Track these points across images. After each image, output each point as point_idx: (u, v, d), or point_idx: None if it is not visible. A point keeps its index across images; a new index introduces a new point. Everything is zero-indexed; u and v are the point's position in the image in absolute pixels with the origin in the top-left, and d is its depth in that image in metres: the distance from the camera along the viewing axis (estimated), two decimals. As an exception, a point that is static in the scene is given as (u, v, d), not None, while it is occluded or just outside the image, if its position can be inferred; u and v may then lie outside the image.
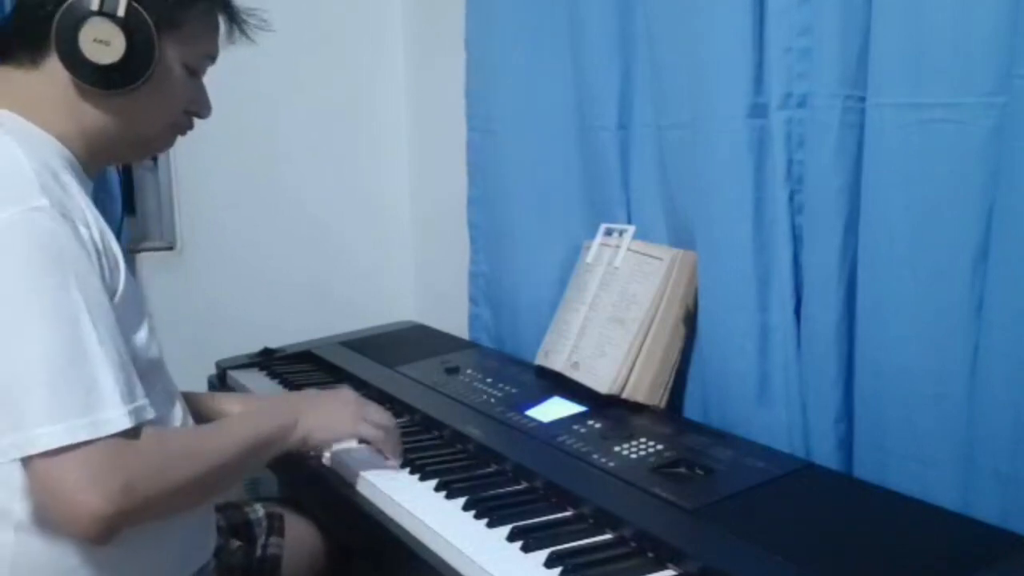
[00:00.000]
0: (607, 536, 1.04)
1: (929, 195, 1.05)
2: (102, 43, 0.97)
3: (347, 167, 2.24)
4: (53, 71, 1.00)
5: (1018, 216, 0.96)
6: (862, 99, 1.12)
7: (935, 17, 1.02)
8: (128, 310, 0.98)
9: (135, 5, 0.99)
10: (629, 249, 1.48)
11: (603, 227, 1.56)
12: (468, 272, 1.93)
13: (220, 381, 1.79)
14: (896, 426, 1.12)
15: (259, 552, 1.33)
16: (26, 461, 0.87)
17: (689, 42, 1.33)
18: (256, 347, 1.86)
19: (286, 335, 1.93)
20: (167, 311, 2.04)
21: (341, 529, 1.38)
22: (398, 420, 1.45)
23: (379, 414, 1.24)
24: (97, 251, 0.94)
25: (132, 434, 0.90)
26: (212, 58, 1.11)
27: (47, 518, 0.94)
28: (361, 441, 1.30)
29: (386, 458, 1.24)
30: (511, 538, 1.02)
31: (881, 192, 1.10)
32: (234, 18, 1.12)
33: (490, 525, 1.06)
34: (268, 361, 1.82)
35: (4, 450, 0.87)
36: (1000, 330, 0.99)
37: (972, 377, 1.03)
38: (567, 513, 1.10)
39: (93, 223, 0.96)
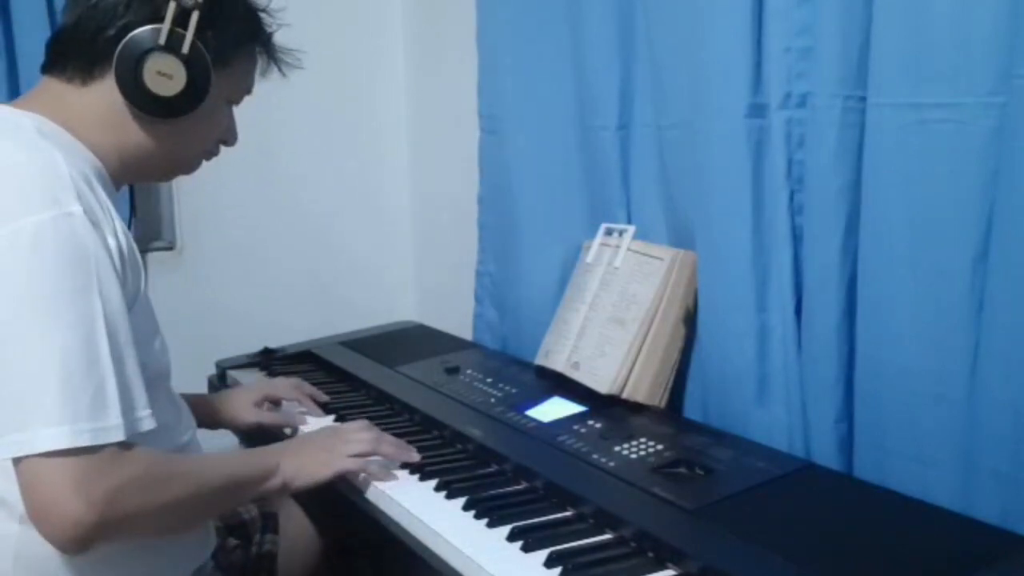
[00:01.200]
0: (607, 536, 1.04)
1: (929, 195, 1.05)
2: (165, 76, 1.02)
3: (347, 166, 2.24)
4: (103, 91, 1.03)
5: (1018, 216, 0.96)
6: (862, 99, 1.12)
7: (935, 17, 1.02)
8: (147, 318, 1.02)
9: (198, 43, 1.04)
10: (629, 249, 1.48)
11: (603, 227, 1.56)
12: (475, 271, 1.92)
13: (220, 381, 1.79)
14: (896, 426, 1.12)
15: (255, 550, 1.34)
16: (18, 458, 0.88)
17: (689, 42, 1.33)
18: (256, 347, 1.86)
19: (286, 335, 1.93)
20: (167, 311, 2.02)
21: (341, 529, 1.38)
22: (398, 420, 1.46)
23: (358, 443, 1.21)
24: (123, 259, 0.96)
25: (125, 447, 0.91)
26: (249, 92, 1.17)
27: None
28: None
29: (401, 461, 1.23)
30: (511, 538, 1.02)
31: (881, 192, 1.10)
32: (274, 58, 1.18)
33: (490, 525, 1.06)
34: (268, 361, 1.82)
35: (6, 446, 0.87)
36: (1000, 330, 0.99)
37: (972, 377, 1.03)
38: (567, 513, 1.10)
39: (121, 232, 0.98)
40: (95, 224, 0.93)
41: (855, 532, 0.99)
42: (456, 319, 2.00)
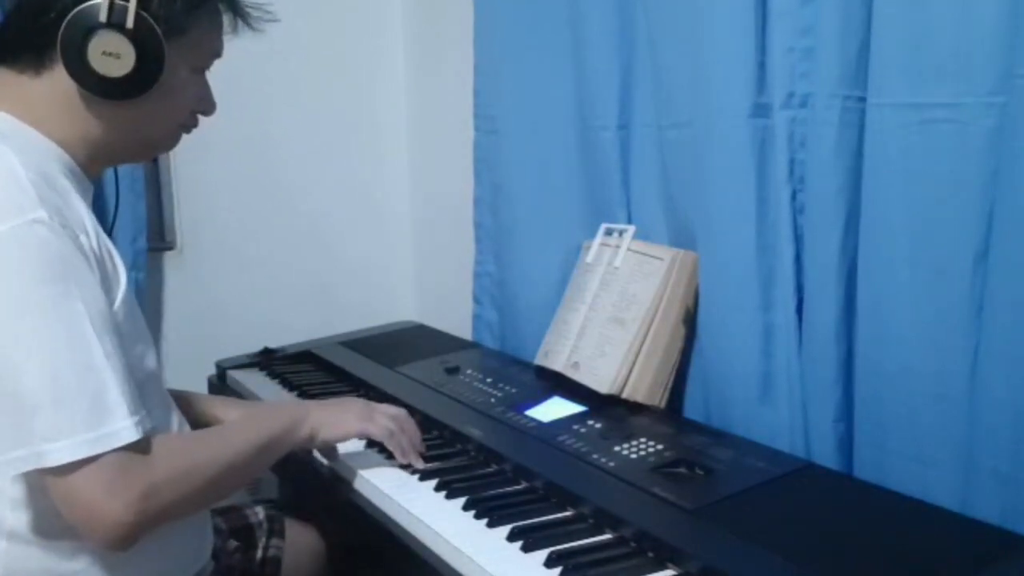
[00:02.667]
0: (607, 536, 1.04)
1: (929, 195, 1.05)
2: (111, 56, 0.95)
3: (347, 167, 2.24)
4: (57, 79, 0.97)
5: (1018, 216, 0.96)
6: (862, 99, 1.12)
7: (935, 17, 1.02)
8: (128, 319, 0.97)
9: (143, 15, 0.96)
10: (629, 249, 1.48)
11: (603, 227, 1.56)
12: (473, 272, 1.92)
13: (220, 381, 1.79)
14: (896, 426, 1.12)
15: (260, 555, 1.33)
16: (42, 474, 0.87)
17: (691, 42, 1.33)
18: (256, 347, 1.86)
19: (286, 335, 1.93)
20: (167, 311, 2.05)
21: (342, 530, 1.38)
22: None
23: (390, 410, 1.25)
24: (97, 259, 0.92)
25: (145, 444, 0.90)
26: (218, 55, 1.09)
27: (43, 527, 0.94)
28: (370, 445, 1.30)
29: (404, 463, 1.23)
30: (511, 538, 1.02)
31: (881, 192, 1.10)
32: (240, 14, 1.08)
33: (490, 525, 1.06)
34: (268, 361, 1.82)
35: (11, 463, 0.86)
36: (1000, 330, 0.99)
37: (972, 377, 1.04)
38: (567, 513, 1.10)
39: (92, 230, 0.94)
40: (64, 226, 0.88)
41: (855, 532, 0.99)
42: (456, 319, 2.00)
